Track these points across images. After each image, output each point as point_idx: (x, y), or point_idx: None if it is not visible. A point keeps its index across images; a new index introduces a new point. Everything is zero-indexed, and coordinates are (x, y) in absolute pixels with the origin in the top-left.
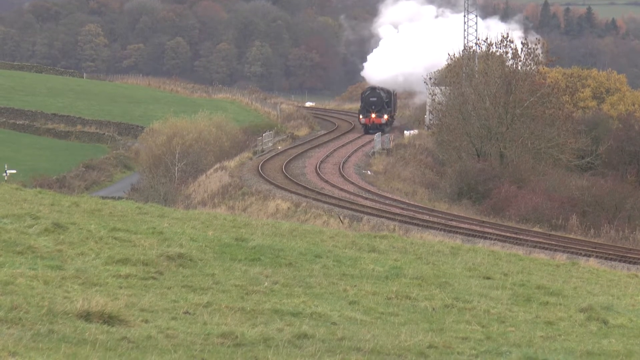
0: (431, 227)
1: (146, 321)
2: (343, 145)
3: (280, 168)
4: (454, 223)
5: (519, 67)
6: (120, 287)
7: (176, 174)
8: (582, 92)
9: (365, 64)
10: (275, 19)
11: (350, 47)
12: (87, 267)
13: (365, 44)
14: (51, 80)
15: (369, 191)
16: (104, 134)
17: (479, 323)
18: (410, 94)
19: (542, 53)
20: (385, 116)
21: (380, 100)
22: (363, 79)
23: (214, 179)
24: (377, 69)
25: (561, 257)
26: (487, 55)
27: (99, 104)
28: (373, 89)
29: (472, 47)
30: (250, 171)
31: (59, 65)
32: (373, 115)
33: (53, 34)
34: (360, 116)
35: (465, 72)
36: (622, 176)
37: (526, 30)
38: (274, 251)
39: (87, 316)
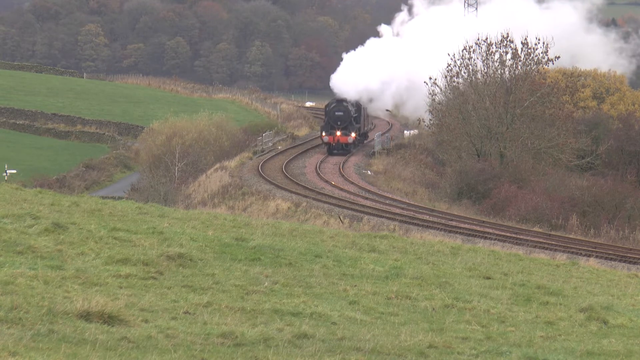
0: (431, 227)
1: (146, 321)
2: None
3: (281, 168)
4: (454, 223)
5: (519, 67)
6: (120, 287)
7: (176, 174)
8: (582, 92)
9: (334, 76)
10: (275, 19)
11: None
12: (87, 267)
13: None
14: (51, 80)
15: (369, 191)
16: (104, 133)
17: (479, 323)
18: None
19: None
20: (353, 134)
21: (348, 115)
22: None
23: (214, 179)
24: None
25: (561, 257)
26: (487, 55)
27: (99, 104)
28: (340, 101)
29: (471, 46)
30: (250, 171)
31: (59, 65)
32: (338, 133)
33: (53, 33)
34: (323, 133)
35: (466, 72)
36: (622, 176)
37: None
38: (274, 251)
39: (87, 316)
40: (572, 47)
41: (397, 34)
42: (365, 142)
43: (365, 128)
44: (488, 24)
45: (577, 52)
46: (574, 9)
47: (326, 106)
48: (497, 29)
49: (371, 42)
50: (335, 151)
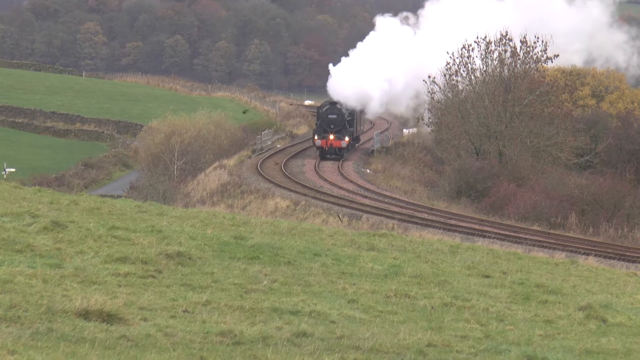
0: (430, 226)
1: (145, 319)
2: None
3: (279, 166)
4: (453, 221)
5: (518, 66)
6: (119, 286)
7: (175, 172)
8: (581, 90)
9: (331, 78)
10: (274, 17)
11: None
12: (86, 266)
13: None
14: (50, 78)
15: (368, 189)
16: (103, 132)
17: (477, 321)
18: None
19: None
20: (347, 138)
21: (341, 119)
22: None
23: (213, 177)
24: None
25: (560, 256)
26: (486, 54)
27: (98, 102)
28: (333, 103)
29: (470, 44)
30: (249, 169)
31: (58, 64)
32: (331, 137)
33: (52, 32)
34: (316, 137)
35: (465, 70)
36: (621, 174)
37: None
38: (273, 249)
39: (86, 314)
40: (595, 44)
41: (416, 24)
42: (357, 145)
43: (358, 132)
44: (512, 16)
45: (599, 50)
46: (601, 2)
47: (318, 108)
48: (522, 21)
49: (384, 27)
50: (327, 156)
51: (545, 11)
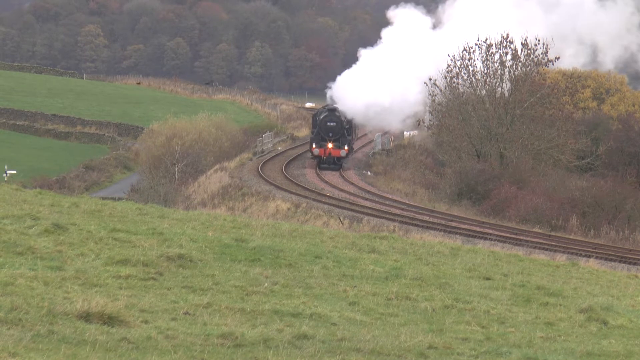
0: (431, 228)
1: (146, 322)
2: None
3: (280, 169)
4: (453, 224)
5: (519, 68)
6: (120, 288)
7: (176, 175)
8: (582, 93)
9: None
10: (275, 20)
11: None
12: (87, 268)
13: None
14: (51, 80)
15: (368, 192)
16: (104, 134)
17: (479, 324)
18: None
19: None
20: (346, 147)
21: (340, 126)
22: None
23: (214, 180)
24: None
25: (561, 258)
26: (487, 56)
27: (98, 105)
28: (332, 110)
29: (471, 47)
30: (250, 172)
31: (58, 66)
32: (330, 146)
33: (53, 34)
34: (313, 145)
35: (465, 72)
36: (622, 177)
37: None
38: (274, 252)
39: (87, 317)
40: (622, 47)
41: (442, 14)
42: (351, 156)
43: (355, 141)
44: (540, 15)
45: (626, 52)
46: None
47: (315, 115)
48: (551, 21)
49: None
50: (324, 165)
51: (575, 11)
